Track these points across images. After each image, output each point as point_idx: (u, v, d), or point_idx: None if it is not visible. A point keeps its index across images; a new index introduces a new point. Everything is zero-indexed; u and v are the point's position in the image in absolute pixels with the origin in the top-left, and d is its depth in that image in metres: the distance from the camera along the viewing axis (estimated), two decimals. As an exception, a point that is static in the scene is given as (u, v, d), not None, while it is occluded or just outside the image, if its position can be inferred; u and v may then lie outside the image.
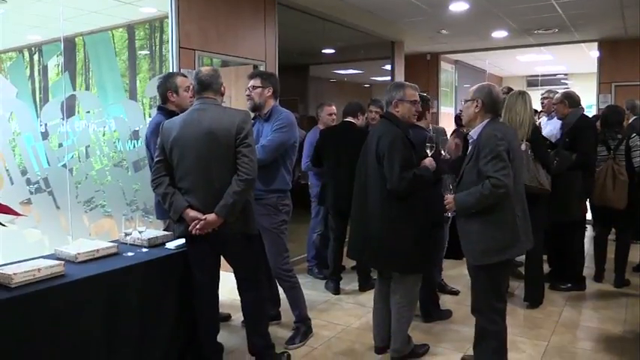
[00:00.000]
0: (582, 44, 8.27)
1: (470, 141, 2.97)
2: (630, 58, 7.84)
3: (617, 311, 4.23)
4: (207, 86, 2.95)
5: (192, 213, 2.80)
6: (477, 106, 2.87)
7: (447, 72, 9.74)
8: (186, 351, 3.08)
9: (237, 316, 3.64)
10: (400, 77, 7.88)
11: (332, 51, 9.05)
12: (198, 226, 2.78)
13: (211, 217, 2.78)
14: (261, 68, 5.15)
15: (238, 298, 3.10)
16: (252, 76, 3.58)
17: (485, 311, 2.87)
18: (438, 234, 3.91)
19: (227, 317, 3.98)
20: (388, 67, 8.18)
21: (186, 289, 3.02)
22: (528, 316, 4.12)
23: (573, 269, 4.73)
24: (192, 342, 3.08)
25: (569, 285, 4.69)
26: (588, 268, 4.97)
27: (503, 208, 2.72)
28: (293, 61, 9.03)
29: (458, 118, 7.13)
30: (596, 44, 8.11)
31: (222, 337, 3.33)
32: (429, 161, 3.18)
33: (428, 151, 3.22)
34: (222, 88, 3.04)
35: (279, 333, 3.70)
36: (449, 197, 2.86)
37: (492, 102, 2.87)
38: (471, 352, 3.41)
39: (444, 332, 3.79)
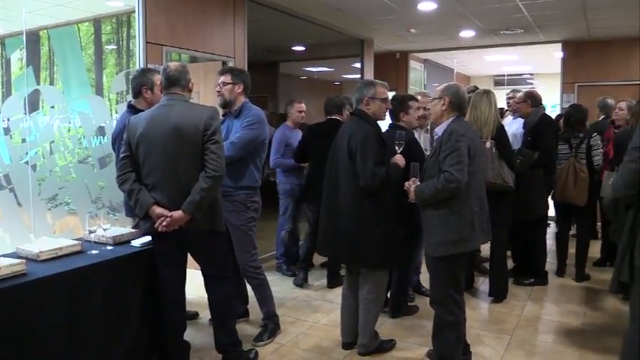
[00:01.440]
0: (547, 45, 8.45)
1: (435, 137, 3.04)
2: (593, 59, 8.05)
3: (577, 305, 4.36)
4: (175, 82, 2.92)
5: (158, 210, 2.78)
6: (444, 104, 2.94)
7: (416, 70, 9.83)
8: (152, 349, 3.05)
9: (205, 314, 3.62)
10: (370, 75, 7.93)
11: (302, 48, 9.04)
12: (164, 223, 2.76)
13: (178, 214, 2.76)
14: (230, 64, 5.11)
15: (206, 295, 3.08)
16: (222, 72, 3.56)
17: (443, 303, 2.93)
18: (418, 234, 3.94)
19: (195, 315, 3.95)
20: (358, 65, 8.22)
21: (152, 286, 2.99)
22: (493, 311, 4.21)
23: (536, 265, 4.85)
24: (159, 340, 3.05)
25: (532, 280, 4.81)
26: (550, 264, 5.12)
27: (461, 202, 2.80)
28: (263, 57, 8.99)
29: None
30: (560, 45, 8.29)
31: (189, 334, 3.31)
32: (399, 158, 3.23)
33: (397, 148, 3.27)
34: (191, 84, 3.01)
35: (247, 330, 3.70)
36: (411, 186, 2.95)
37: (459, 101, 2.96)
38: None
39: (411, 327, 3.85)
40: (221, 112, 3.50)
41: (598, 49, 8.00)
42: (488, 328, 3.87)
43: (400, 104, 3.76)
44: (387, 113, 3.49)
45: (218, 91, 3.51)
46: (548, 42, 8.24)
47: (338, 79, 12.18)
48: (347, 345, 3.44)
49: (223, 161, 2.81)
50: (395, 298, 4.01)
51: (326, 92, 9.84)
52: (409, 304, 4.16)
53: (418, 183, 2.95)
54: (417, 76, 9.87)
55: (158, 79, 3.41)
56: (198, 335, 3.63)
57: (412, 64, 9.62)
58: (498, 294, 4.39)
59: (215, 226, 2.91)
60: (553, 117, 5.38)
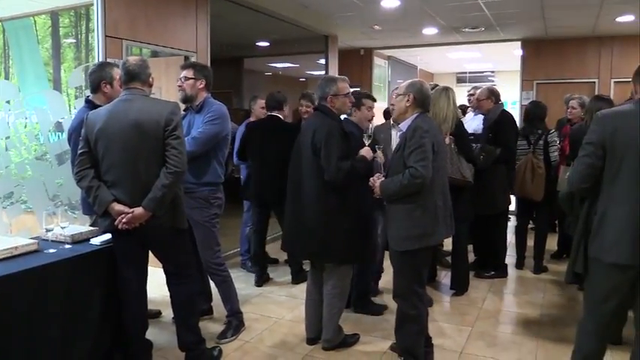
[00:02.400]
0: (507, 43, 8.63)
1: (399, 133, 3.07)
2: (551, 57, 8.28)
3: (535, 296, 4.49)
4: (135, 76, 2.87)
5: (118, 207, 2.73)
6: (408, 100, 2.96)
7: (380, 67, 9.91)
8: (114, 349, 2.99)
9: (168, 312, 3.58)
10: (334, 72, 7.95)
11: (267, 44, 9.00)
12: (124, 220, 2.71)
13: (139, 210, 2.72)
14: (193, 59, 5.05)
15: (168, 293, 3.04)
16: (184, 67, 3.52)
17: (406, 297, 2.96)
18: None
19: (157, 314, 3.90)
20: (323, 61, 8.23)
21: (113, 285, 2.93)
22: (454, 303, 4.30)
23: (497, 258, 4.97)
24: (120, 340, 3.00)
25: (493, 273, 4.92)
26: (510, 257, 5.24)
27: (424, 197, 2.83)
28: (227, 53, 8.91)
29: (387, 113, 7.31)
30: (519, 43, 8.49)
31: (151, 333, 3.27)
32: (365, 151, 3.25)
33: (365, 141, 3.30)
34: (151, 79, 2.97)
35: (211, 328, 3.67)
36: (376, 181, 2.96)
37: (423, 97, 2.98)
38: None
39: (375, 322, 3.89)
40: (183, 107, 3.46)
41: (555, 48, 8.23)
42: (449, 320, 3.95)
43: (355, 100, 3.78)
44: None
45: (179, 86, 3.47)
46: (508, 40, 8.42)
47: (303, 75, 12.18)
48: (311, 340, 3.46)
49: (185, 157, 2.78)
50: (360, 295, 4.04)
51: (291, 88, 9.83)
52: (374, 299, 4.20)
53: (383, 178, 2.97)
54: (381, 73, 9.95)
55: (118, 73, 3.32)
56: (161, 334, 3.58)
57: (376, 60, 9.69)
58: (460, 287, 4.48)
59: (177, 223, 2.88)
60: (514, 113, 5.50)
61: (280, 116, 4.64)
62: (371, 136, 3.36)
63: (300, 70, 11.59)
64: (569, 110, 5.18)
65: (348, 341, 3.46)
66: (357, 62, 9.40)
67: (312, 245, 3.21)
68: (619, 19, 6.86)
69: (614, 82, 7.85)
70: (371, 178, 3.01)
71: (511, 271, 5.07)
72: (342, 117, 3.62)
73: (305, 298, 3.50)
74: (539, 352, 3.42)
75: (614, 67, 7.93)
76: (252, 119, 5.10)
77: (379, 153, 3.38)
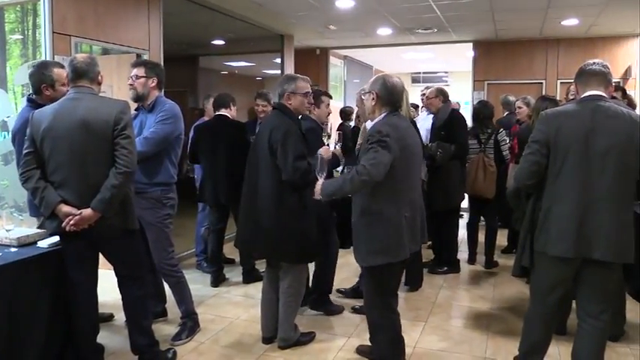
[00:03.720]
0: (460, 44, 8.83)
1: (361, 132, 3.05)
2: (501, 58, 8.53)
3: (486, 290, 4.62)
4: (83, 74, 2.80)
5: (65, 208, 2.65)
6: (373, 98, 2.82)
7: (336, 67, 9.98)
8: (64, 354, 2.92)
9: (121, 315, 3.50)
10: (290, 71, 7.95)
11: (222, 42, 8.91)
12: (72, 222, 2.64)
13: (87, 212, 2.65)
14: (145, 57, 4.95)
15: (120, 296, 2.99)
16: (135, 65, 3.45)
17: (374, 307, 2.89)
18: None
19: (109, 317, 3.82)
20: (279, 60, 8.22)
21: (62, 289, 2.85)
22: (408, 299, 4.37)
23: (450, 254, 5.09)
24: (70, 344, 2.92)
25: (446, 268, 5.04)
26: (463, 252, 5.38)
27: (387, 209, 2.67)
28: (181, 51, 8.78)
29: (342, 112, 7.38)
30: (471, 45, 8.70)
31: (103, 337, 3.20)
32: (324, 150, 3.24)
33: (325, 139, 3.30)
34: (100, 77, 2.90)
35: (165, 330, 3.62)
36: (319, 182, 2.80)
37: (387, 94, 2.78)
38: (355, 337, 3.59)
39: (332, 320, 3.91)
40: (134, 106, 3.40)
41: (505, 49, 8.48)
42: (404, 315, 3.93)
43: (313, 98, 3.79)
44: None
45: (130, 85, 3.40)
46: (460, 42, 8.63)
47: (259, 75, 12.11)
48: (267, 340, 3.46)
49: (135, 157, 2.73)
50: (319, 291, 4.06)
51: (247, 87, 9.78)
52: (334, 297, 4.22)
53: (323, 179, 2.83)
54: (337, 73, 10.01)
55: (59, 73, 3.22)
56: (113, 338, 3.51)
57: (332, 60, 9.75)
58: (413, 282, 4.57)
59: (128, 224, 2.82)
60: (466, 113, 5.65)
61: (228, 115, 4.61)
62: (330, 134, 3.34)
63: (257, 69, 11.52)
64: (517, 110, 5.35)
65: (303, 340, 3.47)
66: (313, 62, 9.44)
67: (268, 245, 3.19)
68: (564, 23, 7.13)
69: (560, 82, 8.15)
70: (317, 184, 2.82)
71: (463, 266, 5.20)
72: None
73: (261, 298, 3.48)
74: (489, 344, 3.52)
75: (560, 68, 8.24)
76: (205, 118, 5.05)
77: (337, 149, 3.40)
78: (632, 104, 4.93)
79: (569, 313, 3.29)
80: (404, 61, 11.49)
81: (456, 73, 12.89)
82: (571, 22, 7.06)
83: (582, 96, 2.62)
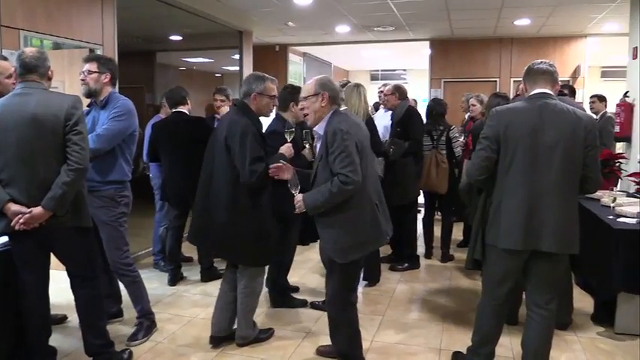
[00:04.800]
0: (417, 42, 8.96)
1: (316, 137, 2.93)
2: (457, 57, 8.71)
3: (442, 284, 4.73)
4: (33, 69, 2.73)
5: (14, 207, 2.58)
6: (323, 99, 2.78)
7: (296, 64, 9.98)
8: (15, 356, 2.83)
9: (74, 317, 3.42)
10: (249, 67, 7.91)
11: (179, 38, 8.78)
12: (22, 221, 2.57)
13: (37, 210, 2.58)
14: (99, 52, 4.84)
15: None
16: (87, 60, 3.37)
17: (338, 304, 2.86)
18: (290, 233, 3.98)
19: (63, 318, 3.73)
20: (238, 56, 8.16)
21: (12, 290, 2.77)
22: (367, 294, 4.43)
23: (410, 250, 5.17)
24: (21, 348, 2.84)
25: (407, 265, 5.12)
26: (420, 247, 5.47)
27: (360, 200, 2.69)
28: (138, 46, 8.60)
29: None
30: (428, 43, 8.84)
31: (56, 339, 3.14)
32: (286, 148, 3.21)
33: (287, 137, 3.28)
34: (50, 72, 2.83)
35: (121, 330, 3.56)
36: (298, 196, 2.76)
37: (335, 93, 2.82)
38: (314, 332, 3.61)
39: (289, 315, 3.93)
40: (86, 102, 3.32)
41: (461, 48, 8.66)
42: (362, 310, 4.01)
43: (291, 94, 3.76)
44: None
45: (82, 80, 3.33)
46: (417, 40, 8.77)
47: (218, 71, 11.98)
48: (215, 339, 3.36)
49: (87, 153, 2.67)
50: (278, 289, 4.07)
51: (206, 83, 9.66)
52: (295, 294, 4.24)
53: (298, 193, 2.78)
54: (296, 70, 10.01)
55: (2, 66, 3.11)
56: (67, 340, 3.43)
57: (291, 57, 9.75)
58: (372, 277, 4.63)
59: (80, 223, 2.76)
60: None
61: (185, 111, 4.55)
62: (293, 132, 3.29)
63: (215, 66, 11.39)
64: (470, 108, 5.48)
65: (262, 337, 3.47)
66: (272, 58, 9.41)
67: (219, 243, 3.13)
68: (516, 22, 7.34)
69: (513, 80, 8.39)
70: (295, 199, 2.77)
71: (421, 260, 5.29)
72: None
73: (217, 297, 3.44)
74: (444, 336, 3.61)
75: (514, 67, 8.48)
76: (161, 115, 4.97)
77: (307, 151, 3.36)
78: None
79: (520, 304, 3.40)
80: (363, 59, 11.59)
81: (414, 71, 13.07)
82: (523, 22, 7.28)
83: (530, 93, 2.71)
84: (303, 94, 2.86)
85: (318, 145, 2.87)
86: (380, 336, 3.61)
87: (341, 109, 3.77)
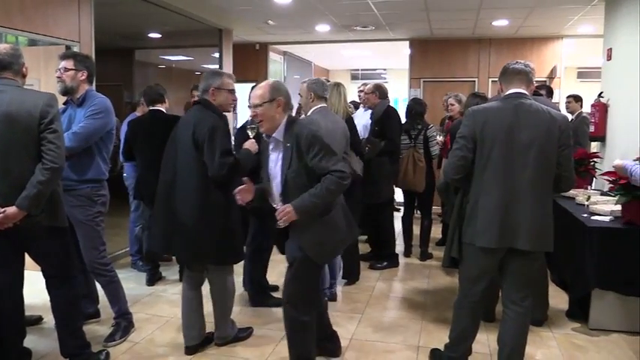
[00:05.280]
0: (397, 42, 9.00)
1: (271, 144, 2.77)
2: (436, 57, 8.75)
3: (420, 282, 4.77)
4: (6, 66, 2.69)
5: (-14, 207, 2.53)
6: (279, 105, 2.69)
7: (276, 62, 9.94)
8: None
9: (50, 318, 3.38)
10: (228, 66, 7.86)
11: (159, 35, 8.70)
12: (-5, 221, 2.53)
13: (12, 210, 2.54)
14: (75, 50, 4.77)
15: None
16: (64, 57, 3.33)
17: (305, 305, 2.77)
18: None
19: (38, 320, 3.68)
20: (218, 54, 8.11)
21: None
22: (346, 293, 4.45)
23: (388, 248, 5.20)
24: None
25: (386, 263, 5.15)
26: (399, 246, 5.51)
27: (336, 202, 2.73)
28: (116, 44, 8.50)
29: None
30: (407, 43, 8.89)
31: (31, 341, 3.11)
32: (250, 144, 3.20)
33: (249, 132, 3.27)
34: (25, 69, 2.79)
35: (99, 331, 3.53)
36: (284, 207, 2.58)
37: (289, 98, 2.77)
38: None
39: (269, 314, 3.92)
40: (63, 100, 3.28)
41: (440, 48, 8.71)
42: (340, 308, 4.09)
43: None
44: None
45: (59, 77, 3.28)
46: (397, 40, 8.79)
47: (198, 69, 11.87)
48: (190, 349, 3.26)
49: (63, 152, 2.64)
50: (255, 287, 4.06)
51: (186, 82, 9.55)
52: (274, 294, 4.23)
53: (280, 205, 2.67)
54: (276, 68, 9.98)
55: None
56: (42, 341, 3.38)
57: (272, 55, 9.71)
58: (351, 276, 4.65)
59: (55, 222, 2.73)
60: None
61: (163, 109, 4.51)
62: (255, 128, 3.26)
63: (195, 64, 11.30)
64: (449, 108, 5.53)
65: (241, 335, 3.46)
66: (252, 57, 9.36)
67: (187, 246, 3.05)
68: (495, 23, 7.41)
69: (492, 80, 8.46)
70: (279, 210, 2.60)
71: (400, 259, 5.32)
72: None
73: (182, 304, 3.29)
74: (422, 333, 3.64)
75: (492, 67, 8.54)
76: (137, 113, 4.92)
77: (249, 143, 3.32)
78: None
79: (497, 301, 3.44)
80: (343, 58, 11.60)
81: (394, 71, 13.11)
82: (501, 22, 7.35)
83: (506, 93, 2.75)
84: (256, 101, 2.69)
85: (274, 153, 2.77)
86: (359, 334, 3.63)
87: (319, 105, 3.81)
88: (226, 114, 3.24)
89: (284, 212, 2.55)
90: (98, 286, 3.56)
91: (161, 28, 8.20)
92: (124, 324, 3.49)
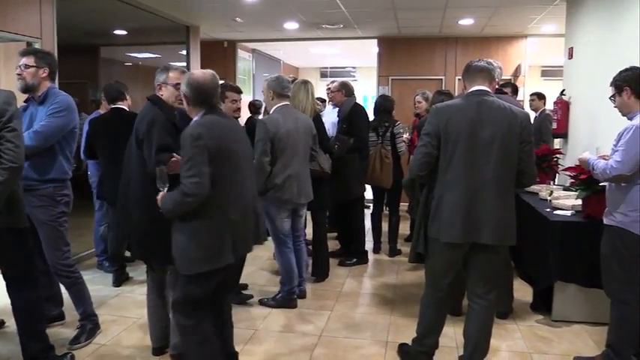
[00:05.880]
0: (365, 40, 9.04)
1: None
2: (404, 55, 8.83)
3: (389, 278, 4.82)
4: (-38, 63, 2.60)
5: (-58, 208, 2.46)
6: (185, 96, 2.63)
7: (245, 60, 9.88)
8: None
9: (13, 321, 3.29)
10: (196, 63, 7.79)
11: (124, 33, 8.55)
12: (-49, 223, 2.45)
13: (-32, 211, 2.47)
14: (37, 46, 4.65)
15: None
16: (24, 54, 3.24)
17: (183, 312, 2.62)
18: None
19: (0, 324, 3.58)
20: (185, 52, 8.02)
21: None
22: (315, 290, 4.46)
23: (358, 245, 5.24)
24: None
25: (355, 260, 5.18)
26: (369, 242, 5.55)
27: (211, 213, 2.50)
28: (81, 41, 8.32)
29: (252, 105, 7.36)
30: (376, 41, 8.94)
31: (-8, 345, 3.01)
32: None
33: None
34: (-19, 67, 2.70)
35: (63, 334, 3.46)
36: (160, 194, 2.57)
37: (195, 94, 2.59)
38: (260, 331, 3.60)
39: (237, 313, 3.87)
40: (23, 97, 3.20)
41: (408, 46, 8.80)
42: (310, 305, 4.10)
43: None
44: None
45: (19, 75, 3.19)
46: (365, 38, 8.83)
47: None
48: (157, 350, 3.19)
49: (22, 151, 2.57)
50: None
51: (153, 79, 9.42)
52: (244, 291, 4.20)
53: (165, 190, 2.58)
54: (245, 66, 9.92)
55: None
56: (5, 345, 3.31)
57: (240, 53, 9.65)
58: (321, 273, 4.66)
59: (15, 223, 2.67)
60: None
61: (124, 107, 4.44)
62: None
63: (162, 61, 11.09)
64: (416, 105, 5.60)
65: None
66: (220, 54, 9.29)
67: (140, 245, 2.96)
68: (461, 22, 7.52)
69: (458, 79, 8.57)
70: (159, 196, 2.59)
71: (369, 255, 5.36)
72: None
73: (147, 305, 3.20)
74: (391, 328, 3.68)
75: (458, 66, 8.66)
76: (101, 111, 4.84)
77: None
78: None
79: (464, 295, 3.49)
80: (312, 56, 11.60)
81: (363, 69, 13.18)
82: (467, 21, 7.46)
83: (469, 91, 2.79)
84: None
85: None
86: (328, 330, 3.65)
87: (281, 104, 3.78)
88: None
89: (158, 199, 2.59)
90: (62, 288, 3.48)
91: (127, 24, 8.06)
92: (89, 326, 3.43)
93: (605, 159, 2.97)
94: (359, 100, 5.23)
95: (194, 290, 2.56)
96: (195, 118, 2.60)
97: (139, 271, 4.78)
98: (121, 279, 4.56)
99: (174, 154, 2.73)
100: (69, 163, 3.28)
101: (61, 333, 3.47)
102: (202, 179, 2.40)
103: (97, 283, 4.46)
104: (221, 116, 2.68)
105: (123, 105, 4.41)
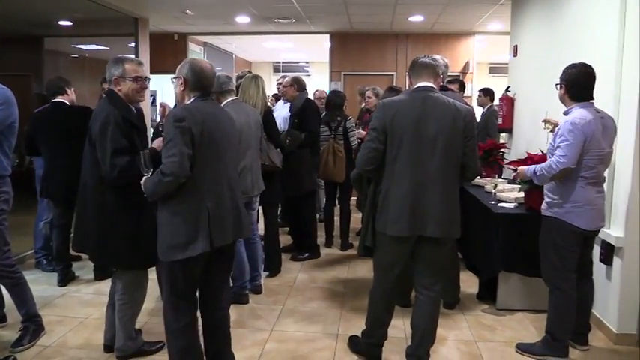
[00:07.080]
0: (318, 35, 9.06)
1: None
2: (356, 50, 8.91)
3: (340, 271, 4.88)
4: None
5: None
6: (182, 84, 2.62)
7: (196, 54, 9.73)
8: None
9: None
10: (145, 56, 7.60)
11: (70, 23, 8.26)
12: None
13: None
14: (-27, 37, 4.45)
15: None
16: None
17: (170, 311, 2.63)
18: None
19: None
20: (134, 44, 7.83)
21: None
22: (267, 285, 4.45)
23: (310, 240, 5.26)
24: None
25: (307, 254, 5.21)
26: (321, 237, 5.59)
27: (188, 199, 2.49)
28: (24, 31, 7.99)
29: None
30: (328, 36, 8.98)
31: None
32: (157, 143, 2.90)
33: (161, 129, 3.18)
34: None
35: (5, 336, 3.35)
36: (143, 179, 2.58)
37: (196, 78, 2.60)
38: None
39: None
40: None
41: (360, 42, 8.87)
42: (262, 301, 4.10)
43: None
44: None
45: (-48, 68, 3.05)
46: (318, 33, 8.86)
47: (114, 59, 11.42)
48: (107, 347, 3.15)
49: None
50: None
51: (101, 72, 9.12)
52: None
53: (150, 175, 2.56)
54: (197, 60, 9.77)
55: None
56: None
57: (191, 46, 9.50)
58: (272, 268, 4.67)
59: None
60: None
61: (66, 101, 4.30)
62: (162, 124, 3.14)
63: (110, 53, 10.80)
64: (366, 100, 5.66)
65: (147, 349, 3.16)
66: (171, 47, 9.12)
67: (93, 246, 2.86)
68: (411, 19, 7.65)
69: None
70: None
71: (321, 249, 5.40)
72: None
73: (109, 302, 3.13)
74: (342, 321, 3.73)
75: (409, 62, 8.67)
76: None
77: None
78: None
79: (412, 287, 3.58)
80: (265, 50, 11.54)
81: (316, 64, 13.20)
82: (417, 18, 7.59)
83: (414, 86, 2.85)
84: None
85: None
86: (279, 325, 3.66)
87: (231, 98, 3.77)
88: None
89: (142, 182, 2.59)
90: (3, 289, 3.36)
91: (72, 15, 7.80)
92: (32, 327, 3.32)
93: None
94: (309, 95, 5.23)
95: (175, 279, 2.56)
96: (188, 102, 2.59)
97: (86, 270, 4.66)
98: (66, 278, 4.42)
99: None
100: (8, 159, 3.15)
101: (2, 335, 3.36)
102: (181, 159, 2.39)
103: (42, 283, 4.32)
104: (213, 106, 2.69)
105: (63, 99, 4.28)
